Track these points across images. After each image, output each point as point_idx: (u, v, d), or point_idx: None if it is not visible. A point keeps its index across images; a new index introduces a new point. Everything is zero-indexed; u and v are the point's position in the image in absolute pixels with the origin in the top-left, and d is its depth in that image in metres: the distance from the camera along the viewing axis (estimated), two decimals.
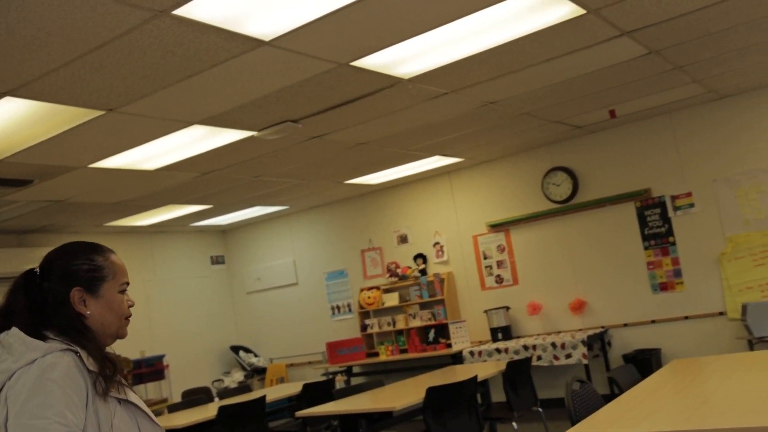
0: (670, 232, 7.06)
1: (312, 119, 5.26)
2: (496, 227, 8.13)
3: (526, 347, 7.15)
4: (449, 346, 8.21)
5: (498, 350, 7.34)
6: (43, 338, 1.72)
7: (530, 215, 7.88)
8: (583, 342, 6.84)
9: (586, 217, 7.55)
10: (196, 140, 5.30)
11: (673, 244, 7.04)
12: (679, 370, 3.92)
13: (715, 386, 3.24)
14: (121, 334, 1.88)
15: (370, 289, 8.97)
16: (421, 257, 8.67)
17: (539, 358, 7.08)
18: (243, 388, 8.25)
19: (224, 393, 7.62)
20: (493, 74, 4.88)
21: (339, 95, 4.79)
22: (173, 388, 8.90)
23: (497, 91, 5.34)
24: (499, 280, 8.12)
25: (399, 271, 8.79)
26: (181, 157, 5.71)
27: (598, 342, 7.27)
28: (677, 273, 7.03)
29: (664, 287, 7.09)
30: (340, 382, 7.87)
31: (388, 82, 4.68)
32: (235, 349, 10.23)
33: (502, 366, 5.62)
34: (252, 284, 10.42)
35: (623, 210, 7.33)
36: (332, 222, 9.56)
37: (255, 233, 10.40)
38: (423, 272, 8.60)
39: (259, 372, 9.97)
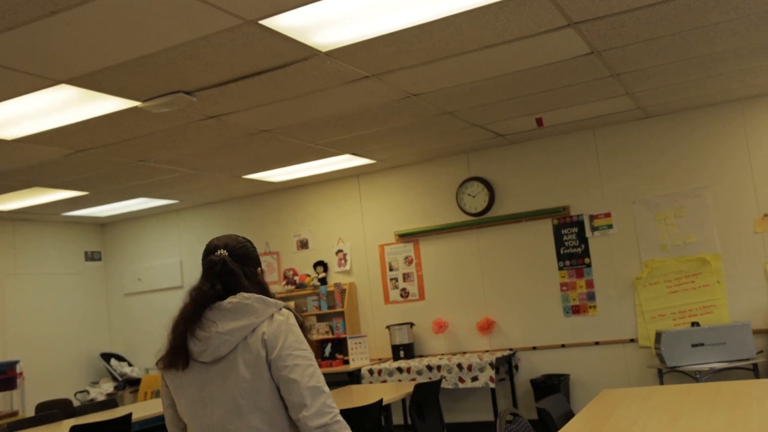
0: (586, 252, 6.71)
1: (209, 93, 4.53)
2: (404, 237, 7.58)
3: (429, 367, 6.60)
4: (347, 362, 7.57)
5: (399, 369, 6.75)
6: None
7: (442, 226, 7.37)
8: (491, 364, 6.35)
9: (501, 232, 7.12)
10: (65, 105, 4.45)
11: (589, 265, 6.69)
12: (613, 403, 3.44)
13: (663, 425, 2.75)
14: None
15: None
16: (321, 265, 8.01)
17: (443, 379, 6.54)
18: (109, 402, 7.31)
19: (86, 408, 6.67)
20: (421, 59, 4.31)
21: (243, 64, 4.09)
22: (27, 399, 7.81)
23: (422, 82, 4.78)
24: (405, 294, 7.56)
25: (297, 278, 8.09)
26: (47, 125, 4.83)
27: (505, 365, 6.81)
28: (591, 296, 6.68)
29: (576, 310, 6.72)
30: None
31: (302, 54, 4.03)
32: (107, 356, 9.20)
33: (409, 388, 5.03)
34: (131, 285, 9.44)
35: (540, 227, 6.94)
36: (226, 221, 8.75)
37: (138, 228, 9.44)
38: (323, 281, 7.94)
39: (132, 383, 8.99)
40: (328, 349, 7.78)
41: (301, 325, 2.21)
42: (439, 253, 7.41)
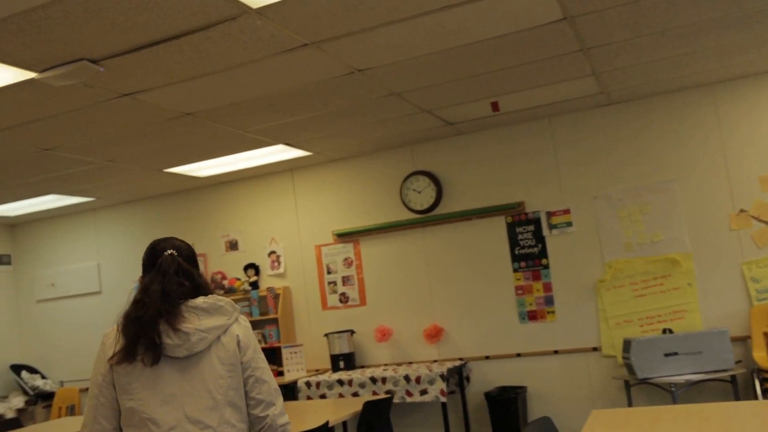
0: (543, 253, 6.20)
1: (119, 63, 3.81)
2: (343, 237, 6.95)
3: (373, 379, 5.98)
4: (281, 374, 6.87)
5: (340, 382, 6.10)
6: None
7: (384, 225, 6.76)
8: (441, 376, 5.77)
9: (450, 231, 6.55)
10: None
11: (546, 267, 6.18)
12: (612, 427, 2.88)
13: None
14: None
15: None
16: (252, 268, 7.30)
17: (389, 392, 5.92)
18: (13, 422, 6.47)
19: None
20: (369, 22, 3.70)
21: (158, 24, 3.39)
22: None
23: (368, 54, 4.17)
24: (344, 298, 6.92)
25: (225, 283, 7.36)
26: None
27: (455, 376, 6.24)
28: (548, 300, 6.17)
29: (533, 316, 6.20)
30: None
31: (229, 12, 3.35)
32: (17, 368, 8.26)
33: (356, 406, 4.39)
34: (44, 291, 8.51)
35: (492, 225, 6.40)
36: (147, 221, 7.95)
37: (51, 229, 8.53)
38: (254, 285, 7.23)
39: (45, 397, 8.08)
40: None
41: None
42: (382, 255, 6.80)
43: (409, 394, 5.86)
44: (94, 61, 3.77)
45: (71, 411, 7.72)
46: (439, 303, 6.54)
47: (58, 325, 8.40)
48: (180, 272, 2.30)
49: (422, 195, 6.60)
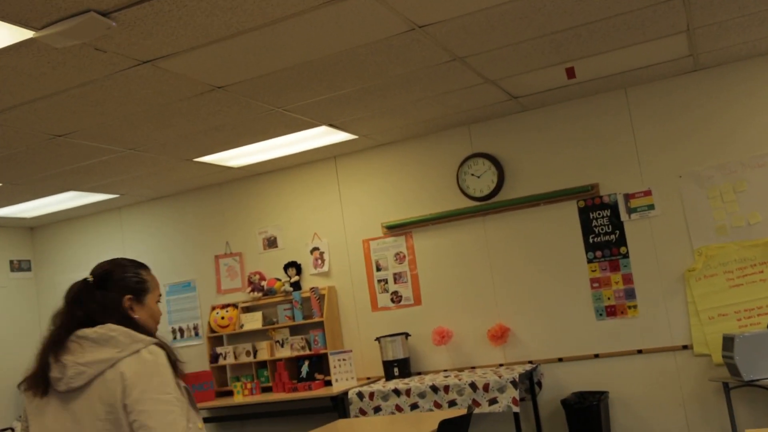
0: (621, 240, 5.46)
1: (134, 15, 3.16)
2: (394, 230, 6.26)
3: (434, 388, 5.28)
4: (329, 384, 6.21)
5: (396, 392, 5.42)
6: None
7: (440, 215, 6.06)
8: (512, 383, 5.05)
9: (514, 219, 5.83)
10: None
11: (626, 256, 5.44)
12: None
13: None
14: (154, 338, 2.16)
15: (224, 306, 6.82)
16: (293, 266, 6.63)
17: (453, 403, 5.23)
18: None
19: None
20: None
21: None
22: None
23: (433, 4, 3.48)
24: (397, 298, 6.23)
25: (264, 284, 6.71)
26: None
27: (525, 382, 5.52)
28: (629, 294, 5.42)
29: (611, 312, 5.46)
30: None
31: None
32: None
33: (428, 424, 3.69)
34: None
35: (562, 211, 5.67)
36: (177, 219, 7.33)
37: (74, 232, 7.95)
38: (296, 286, 6.57)
39: None
40: (305, 369, 6.41)
41: (174, 364, 2.09)
42: (438, 248, 6.09)
43: (476, 403, 5.15)
44: (103, 14, 3.11)
45: None
46: (503, 300, 5.83)
47: None
48: (76, 300, 2.16)
49: (482, 180, 5.89)
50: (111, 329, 2.07)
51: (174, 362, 2.08)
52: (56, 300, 7.26)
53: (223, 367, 6.85)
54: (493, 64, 4.49)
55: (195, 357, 7.05)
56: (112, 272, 2.22)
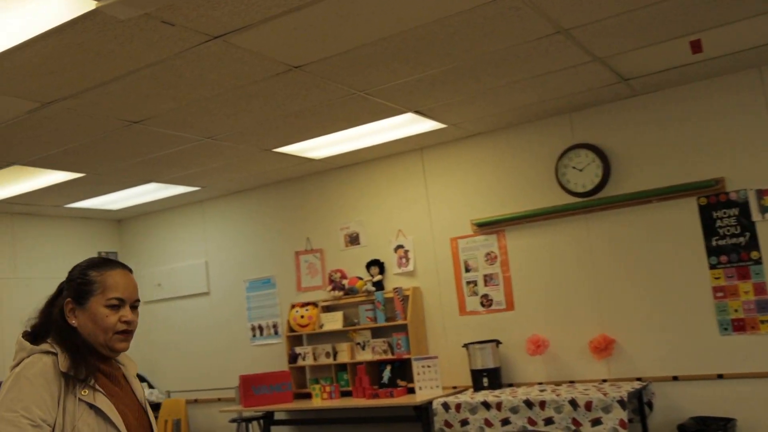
0: (753, 244, 4.76)
1: None
2: (485, 227, 5.75)
3: (529, 403, 4.75)
4: (412, 391, 5.76)
5: (486, 405, 4.91)
6: (40, 341, 1.93)
7: (536, 212, 5.51)
8: (620, 402, 4.46)
9: (621, 217, 5.22)
10: None
11: (758, 262, 4.73)
12: None
13: None
14: (113, 346, 1.99)
15: (304, 305, 6.48)
16: (376, 265, 6.23)
17: (549, 421, 4.68)
18: None
19: None
20: None
21: None
22: None
23: None
24: (487, 301, 5.72)
25: (345, 282, 6.33)
26: None
27: (633, 402, 4.91)
28: (762, 306, 4.72)
29: (740, 326, 4.77)
30: None
31: None
32: None
33: None
34: (151, 291, 7.82)
35: (680, 209, 5.02)
36: (258, 213, 7.06)
37: (158, 225, 7.82)
38: (379, 285, 6.15)
39: (152, 409, 7.35)
40: (386, 374, 5.99)
41: (72, 376, 1.86)
42: (534, 248, 5.55)
43: (576, 423, 4.58)
44: None
45: (177, 426, 6.93)
46: (608, 308, 5.23)
47: (164, 329, 7.68)
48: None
49: (584, 174, 5.31)
50: (18, 339, 1.95)
51: (74, 374, 1.87)
52: (140, 293, 7.08)
53: (302, 368, 6.51)
54: (603, 37, 3.93)
55: (274, 356, 6.76)
56: (68, 275, 2.06)
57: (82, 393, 1.87)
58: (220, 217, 7.32)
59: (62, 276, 7.09)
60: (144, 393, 2.15)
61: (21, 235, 7.17)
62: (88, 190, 6.35)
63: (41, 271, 7.27)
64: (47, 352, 1.90)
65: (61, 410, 1.82)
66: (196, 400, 7.33)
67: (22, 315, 2.03)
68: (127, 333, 2.02)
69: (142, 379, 7.61)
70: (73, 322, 1.97)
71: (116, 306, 1.99)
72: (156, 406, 7.31)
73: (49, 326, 1.96)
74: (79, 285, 2.00)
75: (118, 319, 1.99)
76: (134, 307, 2.06)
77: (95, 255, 7.96)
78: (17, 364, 1.88)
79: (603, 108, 5.30)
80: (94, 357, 1.97)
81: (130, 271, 2.10)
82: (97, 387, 1.92)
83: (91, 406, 1.87)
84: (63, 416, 1.82)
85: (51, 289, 7.36)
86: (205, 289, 7.39)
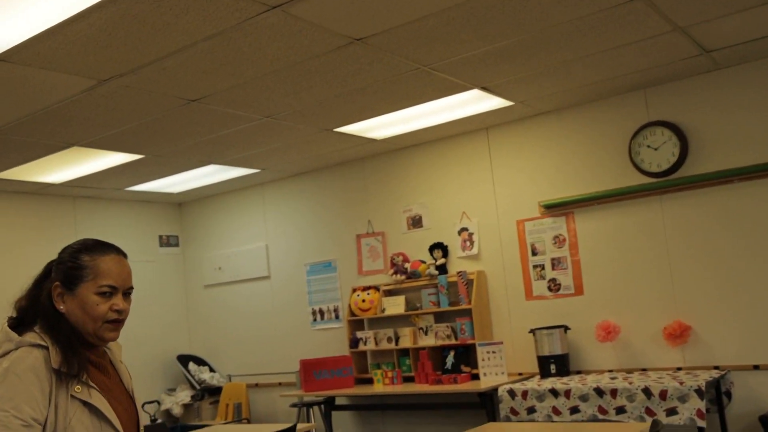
0: None
1: None
2: (553, 209, 5.54)
3: (599, 391, 4.54)
4: (476, 377, 5.61)
5: (554, 392, 4.73)
6: (27, 330, 1.80)
7: (607, 193, 5.27)
8: (698, 392, 4.23)
9: (699, 198, 4.95)
10: None
11: None
12: None
13: None
14: (101, 336, 1.87)
15: (365, 289, 6.38)
16: (440, 248, 6.08)
17: (621, 410, 4.47)
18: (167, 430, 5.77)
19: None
20: None
21: None
22: None
23: None
24: (555, 286, 5.52)
25: (407, 266, 6.20)
26: (36, 28, 3.16)
27: (711, 391, 4.64)
28: None
29: None
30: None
31: None
32: (185, 359, 7.66)
33: None
34: (211, 275, 7.85)
35: (762, 190, 4.72)
36: (319, 195, 6.98)
37: (218, 208, 7.83)
38: (442, 269, 6.00)
39: (212, 392, 7.40)
40: (450, 360, 5.84)
41: (64, 372, 1.74)
42: (604, 231, 5.31)
43: (650, 413, 4.36)
44: None
45: (238, 410, 6.94)
46: (683, 293, 4.97)
47: (225, 313, 7.70)
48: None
49: (660, 152, 5.04)
50: (1, 330, 1.81)
51: (60, 369, 1.74)
52: (201, 276, 7.07)
53: (364, 353, 6.42)
54: (686, 3, 3.67)
55: (335, 341, 6.69)
56: (58, 256, 1.90)
57: (76, 389, 1.76)
58: (280, 200, 7.28)
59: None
60: (130, 378, 2.03)
61: (83, 218, 7.27)
62: (148, 172, 6.37)
63: None
64: (37, 345, 1.77)
65: (53, 407, 1.72)
66: (257, 384, 7.33)
67: (9, 297, 1.89)
68: (118, 322, 1.89)
69: (203, 362, 7.66)
70: (61, 307, 1.84)
71: (108, 294, 1.85)
72: (217, 390, 7.35)
73: (36, 311, 1.84)
74: (69, 269, 1.85)
75: (109, 308, 1.85)
76: (127, 294, 1.91)
77: (156, 238, 8.15)
78: (3, 355, 1.75)
79: (681, 83, 5.02)
80: (83, 347, 1.85)
81: (125, 256, 1.94)
82: (90, 383, 1.81)
83: (86, 404, 1.78)
84: (55, 414, 1.72)
85: None
86: (266, 273, 7.36)
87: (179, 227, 8.15)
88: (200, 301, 7.93)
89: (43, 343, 1.77)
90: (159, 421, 6.94)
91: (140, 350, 7.41)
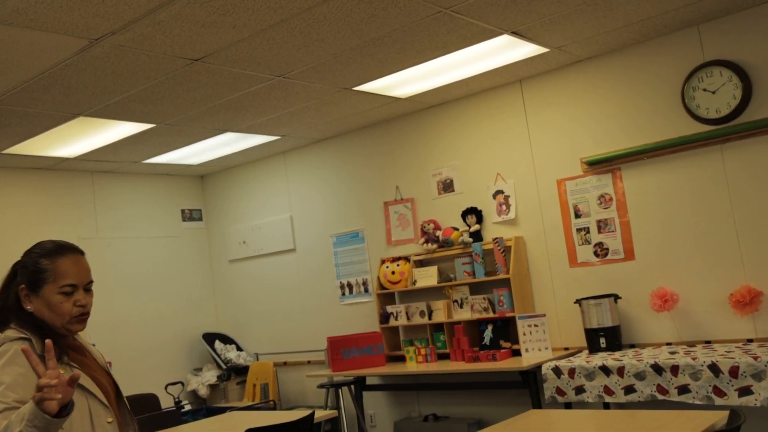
0: None
1: None
2: (597, 166, 5.00)
3: (657, 368, 4.05)
4: (517, 353, 5.15)
5: (605, 369, 4.25)
6: (5, 328, 1.97)
7: (659, 145, 4.71)
8: None
9: (766, 147, 4.37)
10: None
11: None
12: None
13: None
14: (70, 329, 2.02)
15: (395, 260, 5.94)
16: (473, 213, 5.59)
17: (684, 389, 3.97)
18: (189, 411, 5.45)
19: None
20: None
21: None
22: None
23: None
24: (602, 251, 5.00)
25: (439, 234, 5.73)
26: None
27: None
28: None
29: None
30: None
31: None
32: (210, 338, 7.34)
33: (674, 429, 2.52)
34: (236, 250, 7.49)
35: None
36: (343, 161, 6.52)
37: (240, 180, 7.44)
38: (476, 236, 5.52)
39: (238, 372, 7.07)
40: (488, 335, 5.38)
41: (43, 357, 1.80)
42: (656, 187, 4.76)
43: (718, 392, 3.86)
44: None
45: (264, 390, 6.59)
46: (752, 255, 4.41)
47: (251, 288, 7.35)
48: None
49: (718, 96, 4.46)
50: None
51: (43, 355, 1.81)
52: (226, 252, 6.66)
53: (395, 329, 6.00)
54: None
55: (364, 316, 6.28)
56: (21, 260, 2.07)
57: (60, 371, 1.80)
58: (303, 169, 6.84)
59: (146, 235, 6.74)
60: (102, 356, 2.20)
61: (102, 193, 6.95)
62: (163, 142, 5.98)
63: (124, 230, 7.04)
64: (19, 339, 1.92)
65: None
66: (285, 363, 6.98)
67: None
68: (83, 315, 2.04)
69: (229, 340, 7.33)
70: (29, 307, 2.00)
71: (69, 292, 2.01)
72: (244, 369, 7.02)
73: (8, 311, 2.00)
74: (31, 273, 2.01)
75: (73, 304, 2.01)
76: (87, 289, 2.06)
77: (178, 212, 7.79)
78: None
79: (741, 15, 4.40)
80: (57, 336, 1.97)
81: (82, 253, 2.08)
82: (72, 363, 1.98)
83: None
84: None
85: (132, 249, 6.95)
86: (291, 246, 6.96)
87: (202, 201, 7.80)
88: (225, 277, 7.58)
89: (24, 335, 1.93)
90: (182, 402, 6.64)
91: (165, 329, 7.13)
